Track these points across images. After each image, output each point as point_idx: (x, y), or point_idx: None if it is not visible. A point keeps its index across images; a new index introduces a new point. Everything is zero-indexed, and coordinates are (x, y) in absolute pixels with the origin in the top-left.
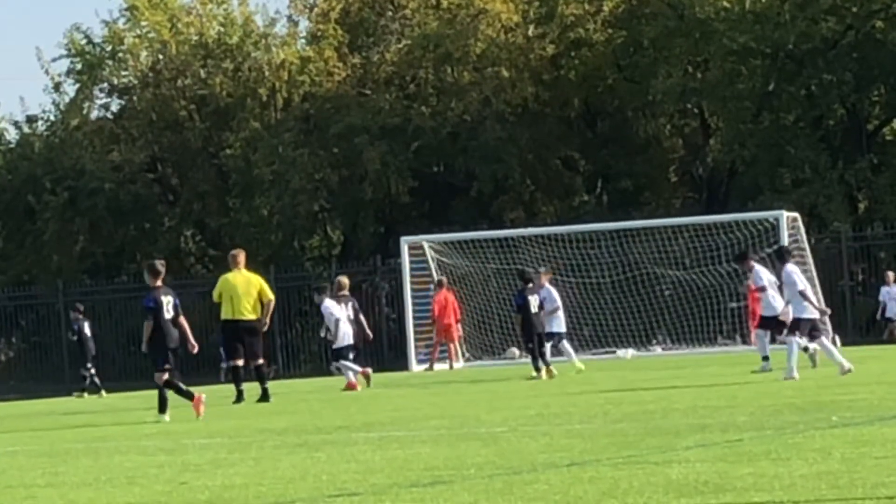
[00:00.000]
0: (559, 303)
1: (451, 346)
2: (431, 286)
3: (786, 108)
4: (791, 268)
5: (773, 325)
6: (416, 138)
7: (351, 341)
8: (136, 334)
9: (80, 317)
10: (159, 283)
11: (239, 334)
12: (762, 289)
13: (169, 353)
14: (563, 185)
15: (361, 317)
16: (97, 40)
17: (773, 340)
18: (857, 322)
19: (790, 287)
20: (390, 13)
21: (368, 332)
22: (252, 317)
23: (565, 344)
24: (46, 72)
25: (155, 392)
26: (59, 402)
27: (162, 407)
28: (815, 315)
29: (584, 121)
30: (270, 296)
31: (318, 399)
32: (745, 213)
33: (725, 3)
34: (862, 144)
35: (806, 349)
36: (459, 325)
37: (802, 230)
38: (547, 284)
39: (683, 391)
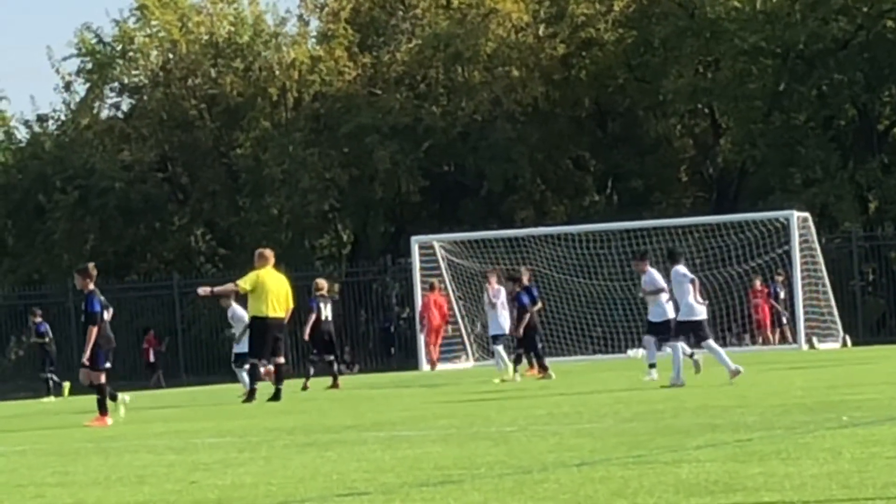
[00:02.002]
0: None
1: (433, 347)
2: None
3: (796, 107)
4: (680, 269)
5: (663, 330)
6: (427, 138)
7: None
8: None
9: (40, 320)
10: (92, 286)
11: (270, 331)
12: (656, 292)
13: (109, 353)
14: (573, 184)
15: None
16: (107, 39)
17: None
18: (867, 322)
19: (678, 287)
20: (401, 13)
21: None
22: (283, 315)
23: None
24: (57, 71)
25: (153, 392)
26: (68, 400)
27: (112, 398)
28: (702, 317)
29: (594, 120)
30: (292, 304)
31: (328, 398)
32: (756, 213)
33: (736, 3)
34: (873, 144)
35: (691, 355)
36: (449, 327)
37: (813, 230)
38: (496, 285)
39: (693, 391)
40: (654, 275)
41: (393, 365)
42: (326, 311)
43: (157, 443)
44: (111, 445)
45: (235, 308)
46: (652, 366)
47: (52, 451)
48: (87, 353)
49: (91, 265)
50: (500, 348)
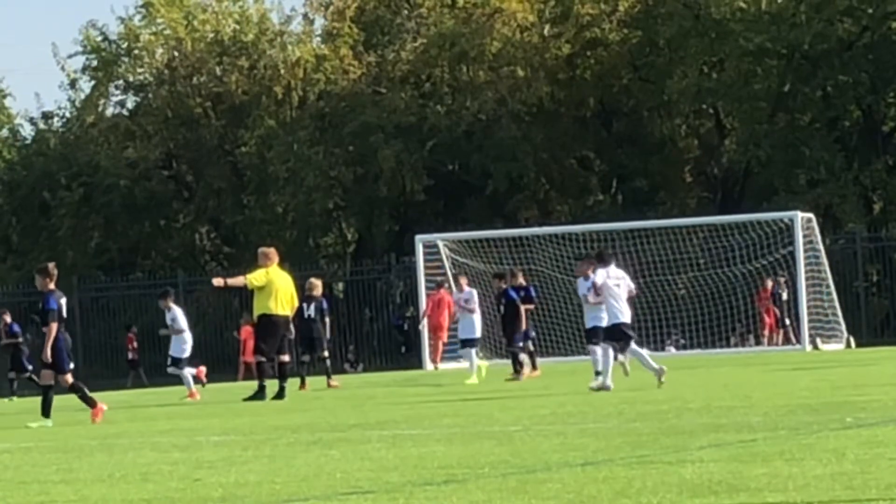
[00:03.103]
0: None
1: (438, 344)
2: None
3: (801, 108)
4: (610, 271)
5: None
6: (431, 137)
7: (189, 353)
8: (150, 331)
9: (10, 320)
10: (52, 285)
11: (278, 329)
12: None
13: (69, 354)
14: (577, 184)
15: (327, 318)
16: (113, 37)
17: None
18: (871, 323)
19: (607, 290)
20: (406, 11)
21: (327, 333)
22: (290, 313)
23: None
24: (62, 68)
25: (155, 390)
26: (72, 398)
27: (46, 410)
28: (628, 320)
29: (599, 120)
30: (296, 302)
31: (333, 397)
32: (760, 213)
33: (741, 4)
34: (877, 146)
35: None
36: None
37: (817, 231)
38: (467, 287)
39: (697, 391)
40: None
41: (404, 363)
42: (309, 311)
43: (161, 440)
44: (116, 443)
45: (176, 311)
46: (598, 373)
47: (56, 448)
48: (48, 352)
49: (52, 265)
50: (472, 352)
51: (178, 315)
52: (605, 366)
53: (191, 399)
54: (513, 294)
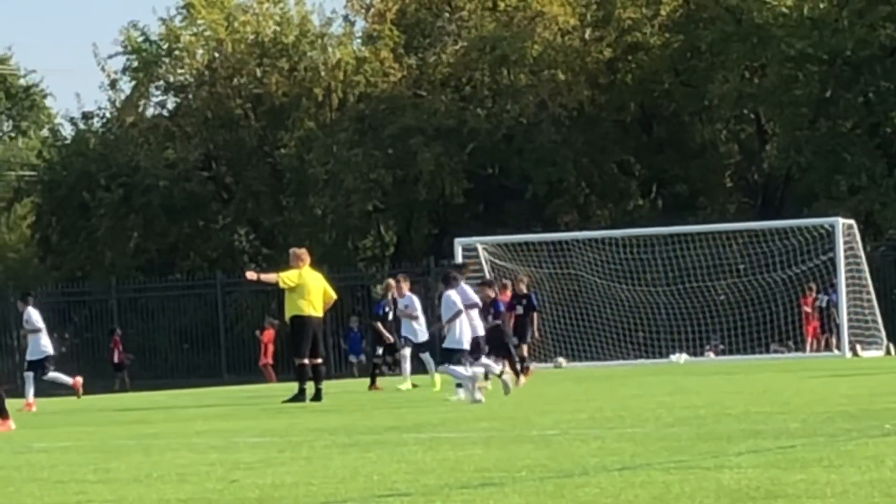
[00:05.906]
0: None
1: None
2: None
3: (843, 114)
4: (451, 294)
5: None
6: (471, 140)
7: (48, 356)
8: (188, 331)
9: None
10: None
11: (311, 331)
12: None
13: None
14: (617, 188)
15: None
16: (154, 38)
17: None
18: None
19: (446, 312)
20: (447, 14)
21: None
22: (321, 314)
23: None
24: (103, 69)
25: (193, 391)
26: (110, 398)
27: None
28: (466, 347)
29: (639, 125)
30: (334, 294)
31: (370, 399)
32: (801, 219)
33: (783, 9)
34: None
35: (498, 375)
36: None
37: (858, 237)
38: (408, 293)
39: (736, 396)
40: (450, 297)
41: None
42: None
43: (198, 441)
44: (153, 443)
45: (31, 312)
46: (459, 385)
47: (93, 447)
48: None
49: None
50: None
51: (32, 316)
52: (466, 379)
53: (27, 410)
54: (500, 306)
